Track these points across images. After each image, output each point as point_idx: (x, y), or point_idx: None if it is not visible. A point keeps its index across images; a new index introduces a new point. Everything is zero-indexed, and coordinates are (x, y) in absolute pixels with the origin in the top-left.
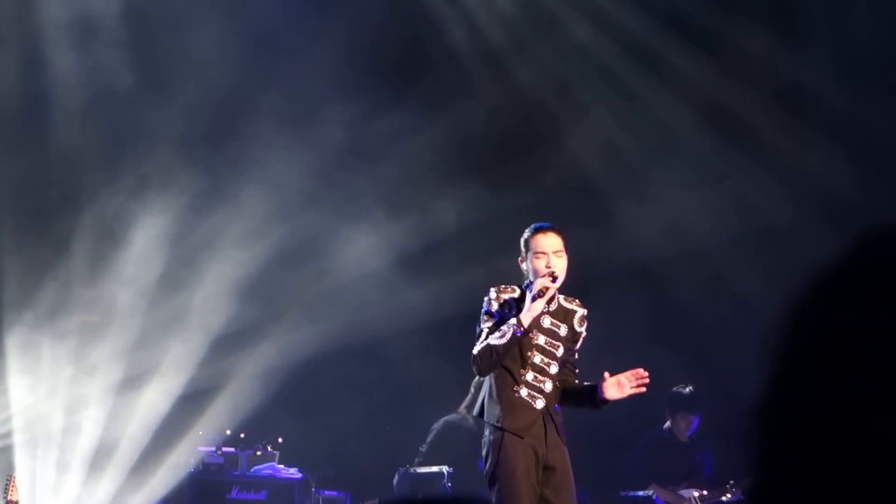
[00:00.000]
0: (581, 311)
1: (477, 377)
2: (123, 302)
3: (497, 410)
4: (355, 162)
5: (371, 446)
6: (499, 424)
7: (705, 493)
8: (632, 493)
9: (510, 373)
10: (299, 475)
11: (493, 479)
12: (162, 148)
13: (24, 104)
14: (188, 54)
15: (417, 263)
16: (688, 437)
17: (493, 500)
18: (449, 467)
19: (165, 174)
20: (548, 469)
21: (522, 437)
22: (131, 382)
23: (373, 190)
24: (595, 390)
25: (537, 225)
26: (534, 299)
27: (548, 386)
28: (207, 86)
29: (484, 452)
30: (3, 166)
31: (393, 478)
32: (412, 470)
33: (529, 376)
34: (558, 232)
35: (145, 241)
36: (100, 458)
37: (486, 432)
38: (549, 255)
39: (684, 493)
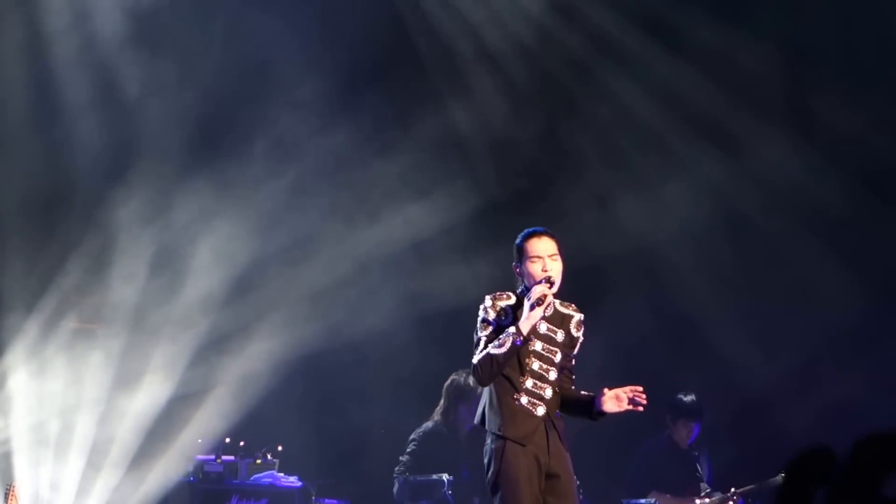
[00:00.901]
0: (578, 316)
1: (447, 383)
2: (124, 305)
3: (498, 419)
4: (358, 157)
5: (372, 453)
6: (500, 433)
7: (707, 501)
8: (633, 502)
9: (509, 381)
10: (299, 483)
11: (495, 487)
12: (159, 150)
13: (30, 111)
14: (187, 54)
15: (422, 258)
16: (688, 444)
17: None
18: (449, 475)
19: (163, 176)
20: (551, 477)
21: (524, 445)
22: (131, 385)
23: (369, 190)
24: (592, 402)
25: (530, 229)
26: (532, 307)
27: (548, 392)
28: (205, 88)
29: (486, 461)
30: (8, 172)
31: (393, 486)
32: (412, 478)
33: (529, 383)
34: (552, 236)
35: (143, 240)
36: (98, 461)
37: (488, 441)
38: (544, 258)
39: (685, 501)
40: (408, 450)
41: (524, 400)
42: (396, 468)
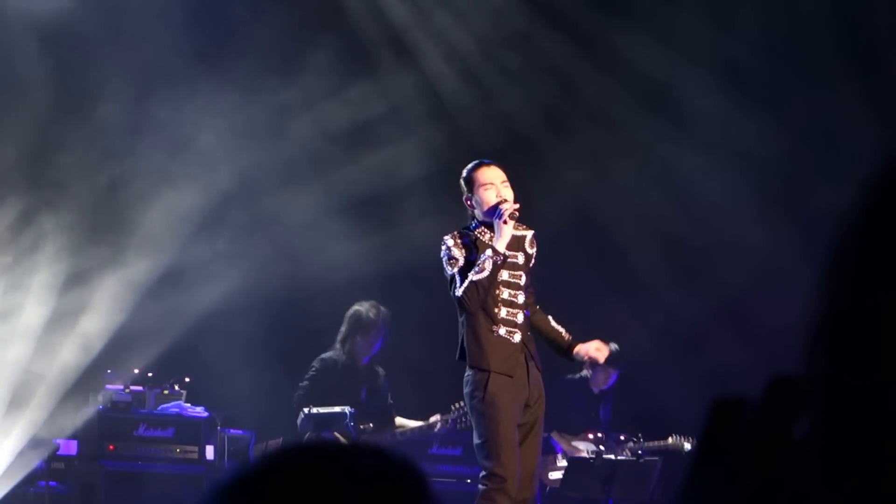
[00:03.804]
0: (529, 233)
1: (349, 312)
2: (59, 237)
3: (481, 354)
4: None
5: (277, 388)
6: (484, 367)
7: (602, 447)
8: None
9: (485, 313)
10: (205, 413)
11: (477, 413)
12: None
13: None
14: None
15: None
16: (600, 390)
17: (478, 435)
18: (350, 406)
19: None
20: (527, 408)
21: (511, 377)
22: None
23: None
24: (570, 348)
25: (477, 161)
26: (502, 224)
27: (520, 317)
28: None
29: (468, 390)
30: None
31: (297, 418)
32: (315, 411)
33: (503, 312)
34: (500, 166)
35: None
36: (24, 395)
37: (471, 373)
38: (496, 185)
39: (579, 444)
40: (307, 377)
41: (502, 331)
42: (296, 394)
